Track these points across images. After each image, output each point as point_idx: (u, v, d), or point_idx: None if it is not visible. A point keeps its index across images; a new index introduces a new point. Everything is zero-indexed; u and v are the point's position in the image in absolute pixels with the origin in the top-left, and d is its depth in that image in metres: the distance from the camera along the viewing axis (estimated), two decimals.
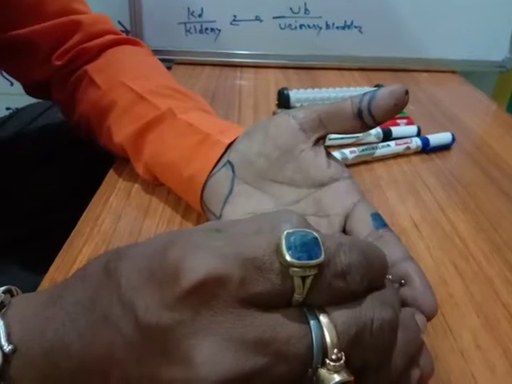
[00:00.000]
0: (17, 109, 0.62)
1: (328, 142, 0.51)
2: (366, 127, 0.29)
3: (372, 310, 0.18)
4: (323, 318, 0.17)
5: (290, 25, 0.77)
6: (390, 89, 0.28)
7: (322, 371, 0.16)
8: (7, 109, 0.97)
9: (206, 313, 0.16)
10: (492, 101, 0.71)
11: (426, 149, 0.51)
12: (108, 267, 0.18)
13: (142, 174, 0.39)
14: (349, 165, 0.47)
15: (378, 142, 0.51)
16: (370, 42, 0.78)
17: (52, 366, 0.18)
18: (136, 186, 0.41)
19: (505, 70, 0.81)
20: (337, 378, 0.16)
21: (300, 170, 0.29)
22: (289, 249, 0.16)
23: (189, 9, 0.75)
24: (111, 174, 0.43)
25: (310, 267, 0.16)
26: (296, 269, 0.16)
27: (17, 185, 0.51)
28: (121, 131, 0.39)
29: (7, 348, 0.17)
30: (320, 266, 0.17)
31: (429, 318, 0.21)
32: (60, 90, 0.47)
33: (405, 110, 0.58)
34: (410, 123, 0.56)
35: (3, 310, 0.19)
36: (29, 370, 0.18)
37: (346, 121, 0.28)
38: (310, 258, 0.16)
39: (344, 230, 0.27)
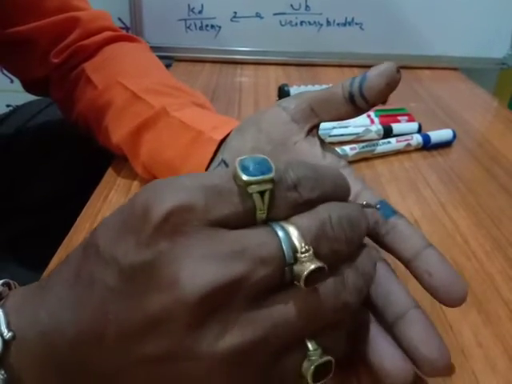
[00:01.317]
0: (17, 106, 0.62)
1: (328, 139, 0.51)
2: (360, 111, 0.28)
3: (328, 209, 0.20)
4: (286, 224, 0.19)
5: (291, 21, 0.77)
6: (381, 68, 0.26)
7: (296, 266, 0.18)
8: (7, 106, 0.97)
9: (180, 239, 0.17)
10: (493, 98, 0.71)
11: (427, 146, 0.51)
12: (85, 241, 0.19)
13: (140, 173, 0.39)
14: (349, 162, 0.47)
15: (378, 139, 0.51)
16: (370, 38, 0.78)
17: (48, 349, 0.18)
18: (135, 182, 0.41)
19: (506, 66, 0.81)
20: (310, 266, 0.17)
21: None
22: (243, 170, 0.18)
23: (189, 5, 0.75)
24: (111, 171, 0.43)
25: (265, 181, 0.18)
26: (253, 185, 0.18)
27: (17, 182, 0.51)
28: (118, 131, 0.39)
29: (7, 335, 0.18)
30: (274, 182, 0.19)
31: (459, 305, 0.22)
32: (58, 89, 0.47)
33: (406, 107, 0.59)
34: (410, 120, 0.56)
35: (2, 301, 0.19)
36: (27, 356, 0.18)
37: (338, 106, 0.28)
38: (263, 174, 0.18)
39: None
